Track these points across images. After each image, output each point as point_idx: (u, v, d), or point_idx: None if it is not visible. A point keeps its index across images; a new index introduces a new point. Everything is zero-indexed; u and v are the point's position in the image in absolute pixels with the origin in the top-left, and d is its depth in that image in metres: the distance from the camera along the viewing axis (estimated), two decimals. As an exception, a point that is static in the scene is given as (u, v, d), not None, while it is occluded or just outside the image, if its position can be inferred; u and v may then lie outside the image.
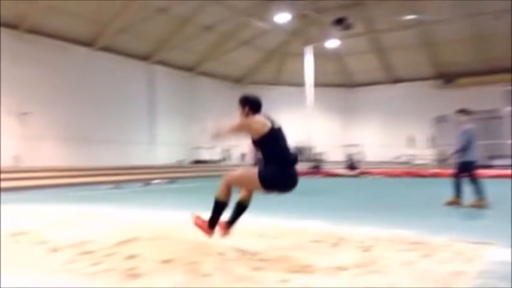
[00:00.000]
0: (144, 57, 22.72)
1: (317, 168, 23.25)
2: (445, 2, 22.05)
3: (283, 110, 26.84)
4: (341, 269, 3.27)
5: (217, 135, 4.26)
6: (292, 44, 27.22)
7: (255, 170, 3.93)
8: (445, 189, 8.03)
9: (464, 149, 7.53)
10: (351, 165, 22.66)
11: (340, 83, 30.19)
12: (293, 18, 22.81)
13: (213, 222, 4.07)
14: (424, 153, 25.42)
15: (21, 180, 14.06)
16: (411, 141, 26.99)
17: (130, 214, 7.06)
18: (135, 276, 3.14)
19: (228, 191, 4.05)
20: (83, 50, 19.63)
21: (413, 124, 27.19)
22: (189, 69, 25.47)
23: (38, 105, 17.60)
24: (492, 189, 7.90)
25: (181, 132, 24.41)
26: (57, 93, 18.47)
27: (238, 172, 4.16)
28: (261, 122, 3.93)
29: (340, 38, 24.65)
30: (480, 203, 7.34)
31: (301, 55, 26.14)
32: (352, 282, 2.98)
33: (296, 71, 27.19)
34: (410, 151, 26.57)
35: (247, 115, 4.03)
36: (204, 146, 23.58)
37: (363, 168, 22.55)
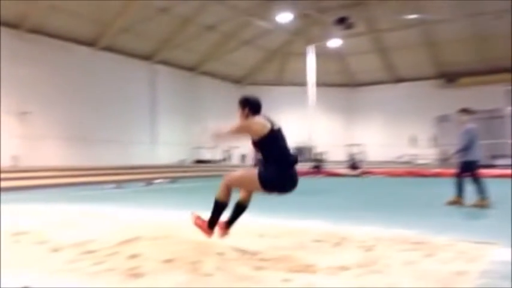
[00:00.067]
0: (145, 57, 22.74)
1: (318, 168, 23.23)
2: (446, 2, 22.03)
3: (285, 109, 26.89)
4: (343, 268, 3.26)
5: (218, 138, 4.26)
6: (294, 44, 27.24)
7: (255, 171, 3.92)
8: (447, 189, 8.01)
9: (466, 148, 7.51)
10: (353, 165, 22.64)
11: (342, 82, 30.19)
12: (295, 17, 22.82)
13: (212, 223, 4.08)
14: (426, 153, 25.39)
15: (22, 179, 14.06)
16: (413, 141, 26.96)
17: (131, 214, 7.06)
18: (137, 275, 3.13)
19: (228, 192, 4.05)
20: (84, 50, 19.66)
21: (415, 124, 27.20)
22: (190, 69, 25.49)
23: (40, 104, 17.64)
24: (494, 189, 7.88)
25: (182, 131, 24.42)
26: (59, 93, 18.49)
27: (238, 173, 4.16)
28: (260, 123, 3.93)
29: (342, 38, 24.64)
30: (483, 203, 7.32)
31: (303, 55, 26.16)
32: (354, 282, 2.97)
33: (298, 71, 27.19)
34: (412, 151, 26.56)
35: (247, 116, 4.03)
36: (205, 145, 23.59)
37: (364, 168, 22.54)
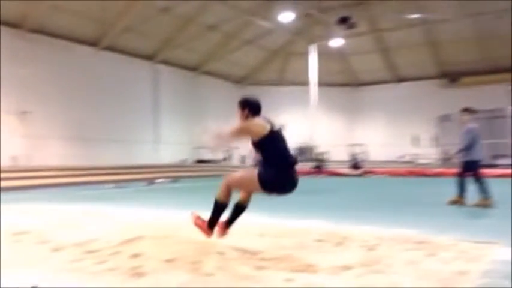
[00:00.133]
0: (148, 57, 22.75)
1: (320, 168, 23.22)
2: (448, 2, 21.98)
3: (287, 109, 26.91)
4: (345, 268, 3.26)
5: (218, 139, 4.27)
6: (296, 44, 27.21)
7: (255, 172, 3.93)
8: (449, 188, 8.00)
9: (468, 148, 7.51)
10: (355, 165, 22.64)
11: (344, 82, 30.15)
12: (297, 17, 22.80)
13: (212, 223, 4.10)
14: (428, 153, 25.37)
15: (23, 179, 14.07)
16: (415, 141, 26.92)
17: (134, 213, 7.07)
18: (139, 275, 3.14)
19: (228, 193, 4.07)
20: (86, 50, 19.67)
21: (417, 123, 27.15)
22: (193, 68, 25.51)
23: (40, 104, 17.62)
24: (496, 188, 7.86)
25: (184, 131, 24.43)
26: (61, 93, 18.49)
27: (238, 174, 4.17)
28: (260, 124, 3.94)
29: (344, 37, 24.62)
30: (485, 202, 7.31)
31: (305, 54, 26.13)
32: (356, 281, 2.97)
33: (300, 71, 27.17)
34: (415, 150, 26.51)
35: (246, 117, 4.03)
36: (207, 147, 23.59)
37: (366, 167, 22.53)
